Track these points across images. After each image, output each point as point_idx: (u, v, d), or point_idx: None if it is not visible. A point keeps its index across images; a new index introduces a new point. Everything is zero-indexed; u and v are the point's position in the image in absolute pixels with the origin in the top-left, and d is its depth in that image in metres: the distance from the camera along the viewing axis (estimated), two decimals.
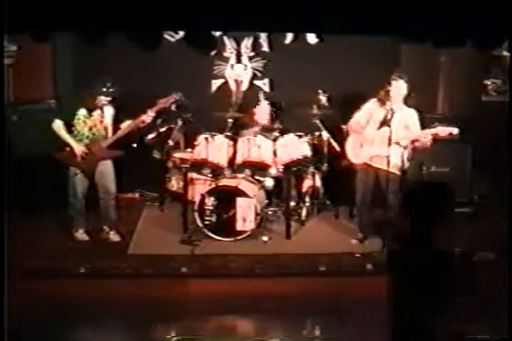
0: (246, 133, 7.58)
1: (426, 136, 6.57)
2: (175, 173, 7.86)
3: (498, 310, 5.22)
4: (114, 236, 7.03)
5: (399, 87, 6.59)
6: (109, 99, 6.76)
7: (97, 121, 6.81)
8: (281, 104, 7.92)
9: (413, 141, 6.71)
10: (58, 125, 6.80)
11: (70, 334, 5.42)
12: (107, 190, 6.92)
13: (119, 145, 6.88)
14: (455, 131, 6.49)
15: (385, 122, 6.62)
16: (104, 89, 6.70)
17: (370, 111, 6.73)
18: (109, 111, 6.85)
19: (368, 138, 6.71)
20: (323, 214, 7.78)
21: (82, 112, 6.80)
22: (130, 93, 7.59)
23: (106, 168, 6.88)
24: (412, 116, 6.69)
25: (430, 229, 4.00)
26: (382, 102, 6.66)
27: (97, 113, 6.80)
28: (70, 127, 6.82)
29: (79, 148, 6.76)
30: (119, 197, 8.23)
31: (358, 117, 6.79)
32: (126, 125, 6.84)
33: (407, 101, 6.68)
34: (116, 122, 6.87)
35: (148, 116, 6.81)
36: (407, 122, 6.64)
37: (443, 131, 6.51)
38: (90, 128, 6.81)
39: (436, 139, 6.62)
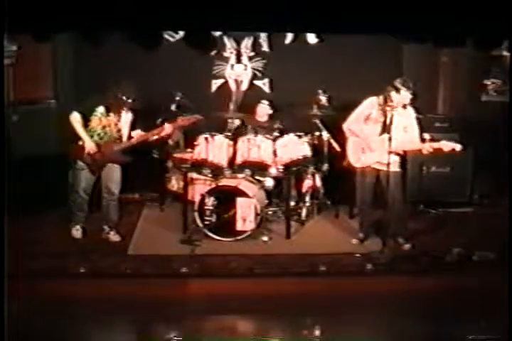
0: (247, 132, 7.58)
1: (428, 149, 6.53)
2: (175, 173, 7.86)
3: (498, 310, 5.22)
4: (113, 237, 7.02)
5: (403, 96, 6.55)
6: (124, 108, 6.78)
7: (112, 122, 6.81)
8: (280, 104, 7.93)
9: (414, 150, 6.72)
10: (76, 117, 6.76)
11: (69, 334, 5.41)
12: (111, 191, 6.92)
13: (128, 151, 6.89)
14: (458, 147, 6.40)
15: (385, 127, 6.58)
16: (125, 99, 6.70)
17: (368, 109, 6.69)
18: (127, 116, 6.84)
19: (370, 144, 6.67)
20: (323, 214, 7.78)
21: (101, 110, 6.79)
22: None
23: (113, 170, 6.88)
24: (409, 116, 6.64)
25: None
26: (383, 105, 6.62)
27: (113, 116, 6.81)
28: (84, 121, 6.81)
29: (90, 145, 6.75)
30: (119, 197, 8.27)
31: (356, 116, 6.74)
32: (141, 134, 6.86)
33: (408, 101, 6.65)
34: (132, 128, 6.87)
35: (165, 132, 6.86)
36: (405, 124, 6.60)
37: (446, 146, 6.41)
38: (103, 127, 6.81)
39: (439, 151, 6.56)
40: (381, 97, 6.63)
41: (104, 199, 6.98)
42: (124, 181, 7.61)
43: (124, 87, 6.73)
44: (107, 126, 6.81)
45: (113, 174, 6.90)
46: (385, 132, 6.58)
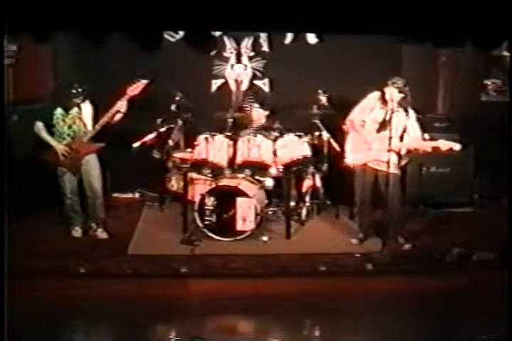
0: (245, 132, 7.57)
1: (426, 148, 6.52)
2: (175, 173, 7.86)
3: (498, 310, 5.22)
4: (101, 234, 7.07)
5: (393, 95, 6.53)
6: (79, 99, 6.81)
7: (76, 118, 6.85)
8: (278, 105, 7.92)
9: (413, 149, 6.71)
10: (39, 127, 6.87)
11: (69, 334, 5.41)
12: (93, 187, 6.96)
13: (101, 138, 6.89)
14: (456, 146, 6.39)
15: (384, 124, 6.58)
16: (74, 91, 6.76)
17: (372, 103, 6.67)
18: (86, 108, 6.88)
19: (368, 142, 6.67)
20: (323, 214, 7.78)
21: (59, 111, 6.85)
22: None
23: (91, 166, 6.92)
24: (410, 117, 6.63)
25: None
26: (383, 100, 6.62)
27: (74, 110, 6.84)
28: (51, 128, 6.87)
29: (60, 147, 6.83)
30: (118, 197, 8.28)
31: (360, 111, 6.72)
32: (103, 118, 6.86)
33: (405, 103, 6.63)
34: (96, 117, 6.89)
35: (120, 106, 6.81)
36: (405, 125, 6.59)
37: (444, 145, 6.39)
38: (70, 126, 6.86)
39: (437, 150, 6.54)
40: (383, 95, 6.64)
41: (89, 197, 7.01)
42: (124, 181, 7.63)
43: (66, 81, 6.83)
44: (72, 124, 6.85)
45: (92, 169, 6.93)
46: (383, 129, 6.59)
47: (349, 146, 6.84)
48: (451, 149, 6.42)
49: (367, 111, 6.69)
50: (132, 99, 6.89)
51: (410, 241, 6.81)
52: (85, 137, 6.85)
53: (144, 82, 6.90)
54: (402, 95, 6.53)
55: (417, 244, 6.82)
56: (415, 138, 6.60)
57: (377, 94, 6.69)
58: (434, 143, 6.47)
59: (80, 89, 6.76)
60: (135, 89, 6.87)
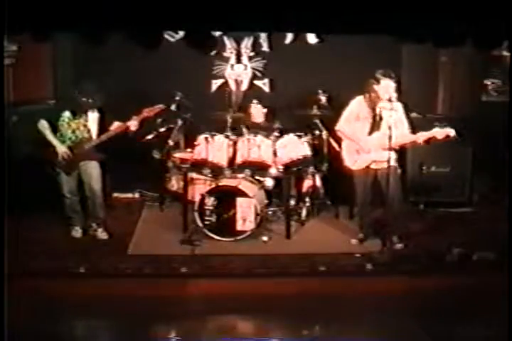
0: (245, 133, 7.58)
1: (422, 140, 6.49)
2: (175, 173, 7.86)
3: (498, 309, 5.21)
4: (101, 234, 7.07)
5: (386, 86, 6.52)
6: (88, 107, 6.80)
7: (81, 124, 6.85)
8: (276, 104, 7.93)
9: (409, 143, 6.70)
10: (43, 124, 6.86)
11: (69, 334, 5.41)
12: (93, 187, 6.96)
13: (103, 148, 6.89)
14: (452, 133, 6.36)
15: (375, 125, 6.58)
16: (85, 100, 6.75)
17: (357, 109, 6.66)
18: (93, 115, 6.87)
19: (363, 146, 6.64)
20: (323, 214, 7.78)
21: (67, 114, 6.85)
22: (130, 93, 7.62)
23: (91, 167, 6.92)
24: (398, 111, 6.56)
25: None
26: (370, 101, 6.60)
27: (81, 116, 6.83)
28: (54, 128, 6.86)
29: (61, 149, 6.82)
30: (118, 197, 8.29)
31: (346, 117, 6.71)
32: (110, 129, 6.87)
33: (397, 93, 6.60)
34: (101, 126, 6.89)
35: (133, 124, 6.84)
36: (395, 119, 6.54)
37: (439, 133, 6.38)
38: (73, 131, 6.85)
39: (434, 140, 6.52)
40: (367, 95, 6.62)
41: (88, 198, 7.01)
42: (124, 181, 7.61)
43: (81, 88, 6.79)
44: (76, 129, 6.85)
45: (92, 171, 6.94)
46: (374, 130, 6.59)
47: (346, 154, 6.82)
48: (447, 136, 6.37)
49: (353, 118, 6.67)
50: (144, 120, 6.94)
51: (410, 241, 6.81)
52: (87, 144, 6.85)
53: (161, 106, 6.99)
54: (395, 85, 6.49)
55: (417, 244, 6.82)
56: (404, 131, 6.56)
57: (359, 98, 6.67)
58: (428, 134, 6.43)
59: (91, 100, 6.75)
60: (151, 111, 6.93)
